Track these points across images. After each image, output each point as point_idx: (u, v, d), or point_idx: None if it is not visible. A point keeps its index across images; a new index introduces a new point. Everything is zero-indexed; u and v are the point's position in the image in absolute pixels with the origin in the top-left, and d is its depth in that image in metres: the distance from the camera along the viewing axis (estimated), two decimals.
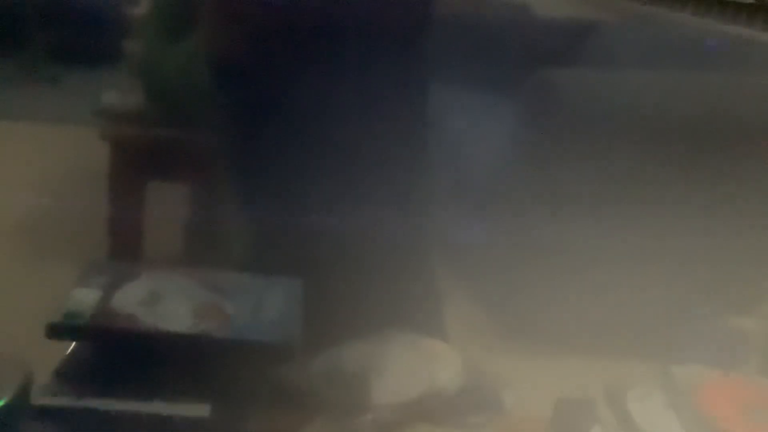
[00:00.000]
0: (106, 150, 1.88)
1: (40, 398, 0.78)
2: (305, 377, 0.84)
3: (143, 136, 1.88)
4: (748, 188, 1.92)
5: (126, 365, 0.82)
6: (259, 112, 1.20)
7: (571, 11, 3.21)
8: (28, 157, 2.93)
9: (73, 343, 0.85)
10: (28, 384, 0.76)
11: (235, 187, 1.31)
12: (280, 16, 1.14)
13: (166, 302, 0.86)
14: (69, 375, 0.82)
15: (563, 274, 1.90)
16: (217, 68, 1.22)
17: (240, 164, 1.28)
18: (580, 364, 1.66)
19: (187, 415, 0.78)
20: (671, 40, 2.52)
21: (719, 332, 1.00)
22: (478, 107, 2.45)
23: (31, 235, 2.36)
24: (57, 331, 0.82)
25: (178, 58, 1.63)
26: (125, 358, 0.82)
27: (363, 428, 0.79)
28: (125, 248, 1.86)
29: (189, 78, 1.60)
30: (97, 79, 2.55)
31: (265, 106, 1.19)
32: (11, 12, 3.99)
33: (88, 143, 2.00)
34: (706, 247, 1.93)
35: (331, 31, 1.15)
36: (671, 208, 1.90)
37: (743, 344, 0.98)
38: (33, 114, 3.48)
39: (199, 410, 0.78)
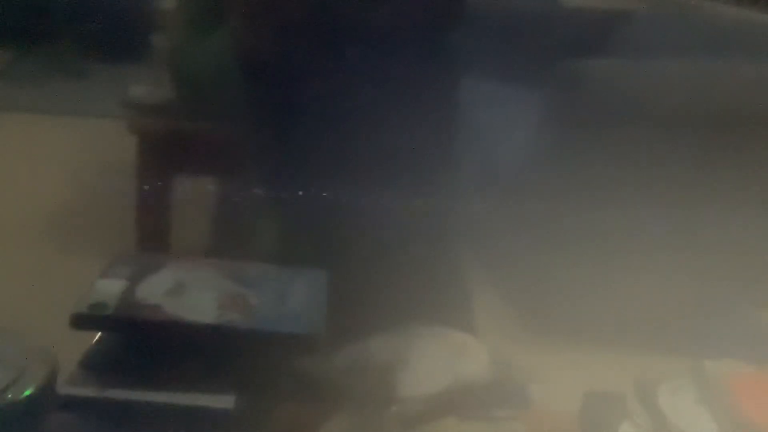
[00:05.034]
0: (133, 143, 1.89)
1: (65, 388, 0.78)
2: (330, 369, 0.83)
3: (170, 129, 1.88)
4: None
5: (150, 356, 0.82)
6: (287, 104, 1.20)
7: (599, 1, 3.18)
8: (55, 150, 2.95)
9: (99, 334, 0.85)
10: (53, 374, 0.76)
11: (262, 179, 1.31)
12: (308, 9, 1.14)
13: (190, 293, 0.86)
14: (94, 365, 0.82)
15: (592, 267, 1.88)
16: (245, 61, 1.22)
17: (267, 157, 1.28)
18: (610, 358, 1.64)
19: (212, 406, 0.78)
20: (701, 29, 2.48)
21: (752, 326, 0.99)
22: (507, 98, 2.43)
23: (58, 227, 2.38)
24: (82, 321, 0.82)
25: (207, 51, 1.63)
26: (150, 349, 0.82)
27: (388, 421, 0.78)
28: (152, 240, 1.86)
29: (217, 71, 1.60)
30: (124, 72, 2.57)
31: (293, 98, 1.19)
32: (39, 6, 4.02)
33: (115, 136, 2.01)
34: (740, 240, 1.90)
35: (360, 23, 1.15)
36: (704, 200, 1.87)
37: None
38: (61, 107, 3.51)
39: (224, 401, 0.78)
